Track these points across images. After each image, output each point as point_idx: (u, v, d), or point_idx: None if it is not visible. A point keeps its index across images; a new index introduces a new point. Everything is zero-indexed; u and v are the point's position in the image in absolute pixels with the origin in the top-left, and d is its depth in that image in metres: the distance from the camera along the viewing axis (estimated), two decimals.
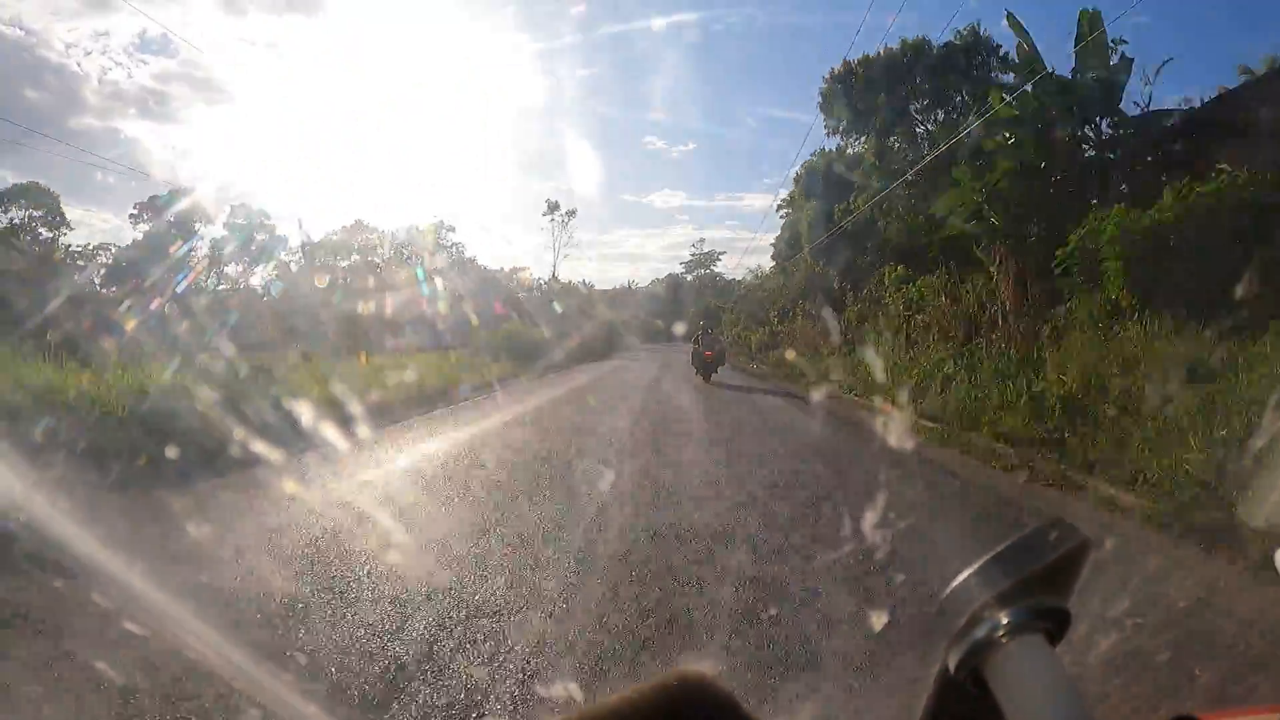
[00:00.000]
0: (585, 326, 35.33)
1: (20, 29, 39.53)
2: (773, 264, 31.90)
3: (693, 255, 67.06)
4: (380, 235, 41.95)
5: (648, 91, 59.00)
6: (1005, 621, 0.45)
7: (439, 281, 34.87)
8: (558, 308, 38.65)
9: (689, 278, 65.07)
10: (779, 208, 31.85)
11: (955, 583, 0.47)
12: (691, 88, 59.51)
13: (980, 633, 0.45)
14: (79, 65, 47.66)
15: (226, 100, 57.72)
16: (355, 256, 41.40)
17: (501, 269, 47.38)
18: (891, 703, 2.25)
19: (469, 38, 52.54)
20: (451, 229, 44.87)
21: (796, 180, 28.06)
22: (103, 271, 33.00)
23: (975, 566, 0.46)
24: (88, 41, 45.26)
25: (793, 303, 24.02)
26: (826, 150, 24.72)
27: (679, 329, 28.90)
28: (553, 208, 51.27)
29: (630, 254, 79.91)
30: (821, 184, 23.29)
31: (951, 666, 0.47)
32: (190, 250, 34.20)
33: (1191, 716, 0.46)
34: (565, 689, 2.38)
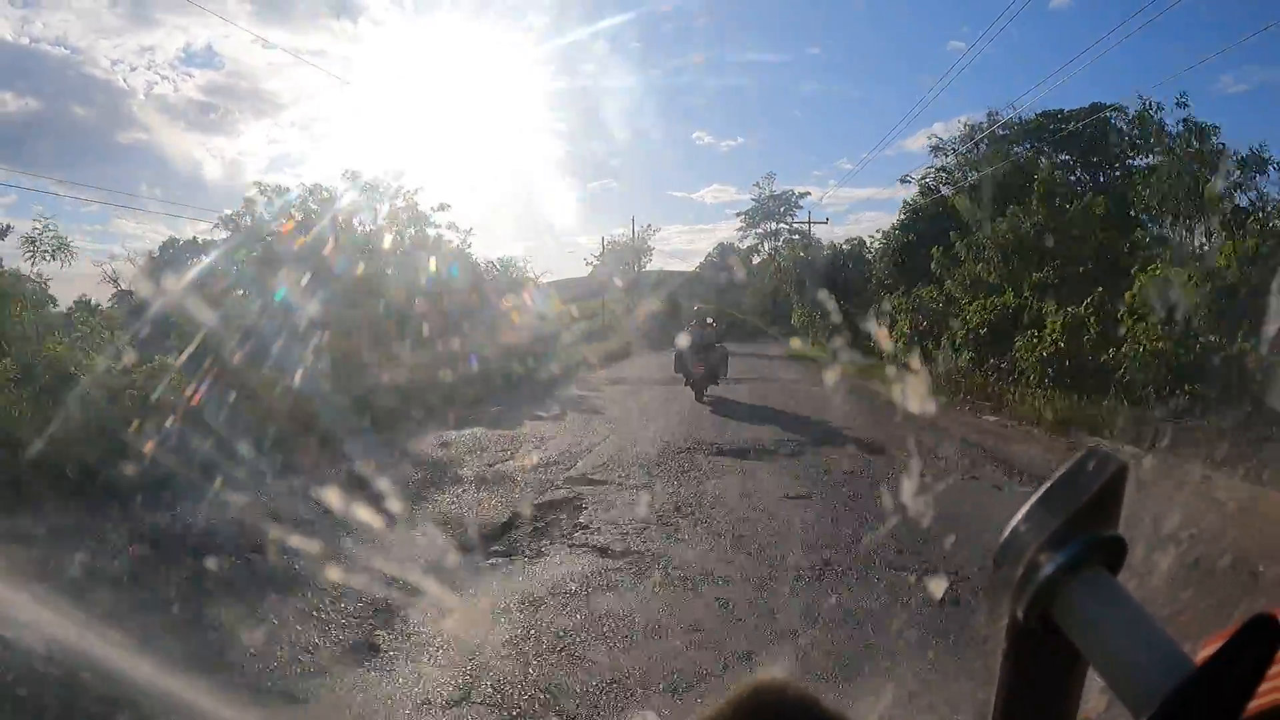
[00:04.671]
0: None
1: (65, 48, 39.52)
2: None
3: (756, 201, 38.85)
4: None
5: (698, 86, 56.13)
6: (1063, 561, 0.45)
7: None
8: None
9: (746, 242, 39.11)
10: None
11: (1005, 533, 0.46)
12: (742, 81, 56.59)
13: (1042, 576, 0.45)
14: (125, 81, 46.03)
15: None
16: None
17: None
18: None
19: (516, 40, 49.81)
20: None
21: None
22: None
23: (1022, 513, 0.46)
24: (133, 57, 45.40)
25: None
26: None
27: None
28: None
29: (681, 250, 76.41)
30: None
31: (1020, 615, 0.47)
32: None
33: (1269, 614, 0.45)
34: None
